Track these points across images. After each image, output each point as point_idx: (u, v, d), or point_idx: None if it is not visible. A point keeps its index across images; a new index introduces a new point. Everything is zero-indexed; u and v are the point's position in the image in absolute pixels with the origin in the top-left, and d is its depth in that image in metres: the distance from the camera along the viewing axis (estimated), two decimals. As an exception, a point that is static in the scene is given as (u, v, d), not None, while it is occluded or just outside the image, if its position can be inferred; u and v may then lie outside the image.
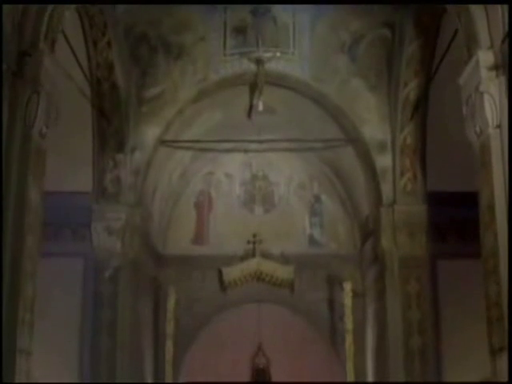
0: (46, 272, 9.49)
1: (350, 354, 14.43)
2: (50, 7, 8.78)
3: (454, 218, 13.16)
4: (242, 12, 13.22)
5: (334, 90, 13.72)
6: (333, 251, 16.33)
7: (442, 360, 13.07)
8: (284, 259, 15.98)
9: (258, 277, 15.85)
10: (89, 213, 13.19)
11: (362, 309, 15.16)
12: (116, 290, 12.98)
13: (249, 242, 15.99)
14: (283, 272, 15.80)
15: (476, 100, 8.57)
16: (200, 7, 13.01)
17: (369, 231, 14.87)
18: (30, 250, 8.39)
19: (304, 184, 16.75)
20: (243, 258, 15.99)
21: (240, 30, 13.32)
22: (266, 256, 15.94)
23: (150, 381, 14.46)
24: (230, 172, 16.75)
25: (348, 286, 14.82)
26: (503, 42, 8.18)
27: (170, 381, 14.41)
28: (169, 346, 14.51)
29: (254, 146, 15.74)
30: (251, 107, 14.47)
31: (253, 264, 15.82)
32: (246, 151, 16.22)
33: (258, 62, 13.37)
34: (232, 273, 15.80)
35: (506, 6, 8.18)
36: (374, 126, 13.68)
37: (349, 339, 14.49)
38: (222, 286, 15.90)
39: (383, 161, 13.65)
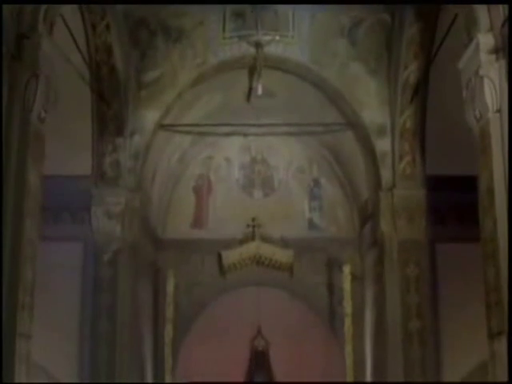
0: (46, 256, 9.51)
1: (348, 336, 14.49)
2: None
3: (453, 202, 13.17)
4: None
5: (333, 74, 13.68)
6: (332, 235, 16.36)
7: (441, 343, 13.12)
8: (283, 243, 16.01)
9: (258, 260, 15.88)
10: (88, 197, 13.19)
11: (361, 292, 15.20)
12: (115, 273, 13.00)
13: (248, 226, 16.00)
14: (282, 256, 15.82)
15: (476, 84, 8.54)
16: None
17: (368, 215, 14.89)
18: (30, 233, 8.39)
19: (303, 168, 16.74)
20: (242, 241, 16.01)
21: (239, 14, 13.27)
22: (266, 240, 15.96)
23: (149, 364, 14.51)
24: (229, 156, 16.74)
25: (347, 270, 14.86)
26: (503, 25, 8.14)
27: (170, 364, 14.47)
28: (168, 329, 14.56)
29: (253, 129, 15.74)
30: (250, 91, 14.45)
31: (252, 248, 15.85)
32: (245, 135, 16.21)
33: (257, 45, 13.33)
34: (231, 256, 15.82)
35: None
36: (373, 110, 13.66)
37: (348, 322, 14.55)
38: (222, 269, 15.93)
39: (382, 145, 13.64)
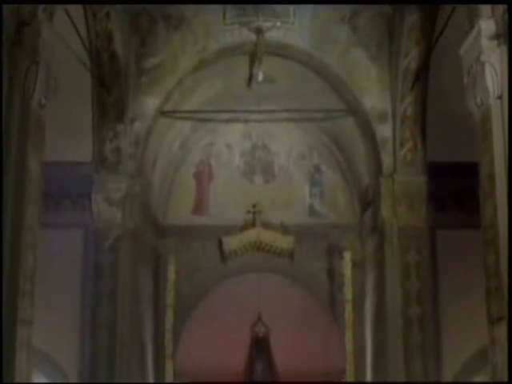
0: (46, 243, 9.54)
1: (349, 322, 14.57)
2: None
3: (454, 189, 13.18)
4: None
5: (334, 60, 13.65)
6: (332, 221, 16.35)
7: (441, 329, 13.16)
8: (284, 229, 16.01)
9: (258, 247, 15.89)
10: (89, 183, 13.19)
11: (362, 278, 15.21)
12: (116, 260, 13.02)
13: (249, 212, 16.00)
14: (283, 242, 15.83)
15: (477, 70, 8.51)
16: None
17: (368, 201, 14.90)
18: (30, 220, 8.40)
19: (304, 154, 16.72)
20: (243, 228, 16.01)
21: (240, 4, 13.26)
22: (266, 226, 15.96)
23: (150, 350, 14.55)
24: (229, 142, 16.72)
25: (347, 256, 14.92)
26: (504, 12, 8.13)
27: (170, 350, 14.54)
28: (169, 315, 14.63)
29: (254, 116, 15.73)
30: (251, 77, 14.42)
31: (253, 234, 15.85)
32: (245, 121, 16.19)
33: (258, 31, 13.30)
34: (232, 243, 15.83)
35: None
36: (374, 96, 13.64)
37: (348, 308, 14.62)
38: (222, 255, 15.95)
39: (383, 131, 13.63)
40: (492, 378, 8.15)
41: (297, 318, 15.66)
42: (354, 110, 14.15)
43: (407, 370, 12.78)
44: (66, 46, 9.78)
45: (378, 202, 13.72)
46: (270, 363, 15.43)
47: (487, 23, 8.39)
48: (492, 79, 8.31)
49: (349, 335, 14.53)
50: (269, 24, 13.26)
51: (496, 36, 8.33)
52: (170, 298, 14.65)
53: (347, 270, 14.86)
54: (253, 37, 13.40)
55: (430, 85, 13.12)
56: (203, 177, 16.61)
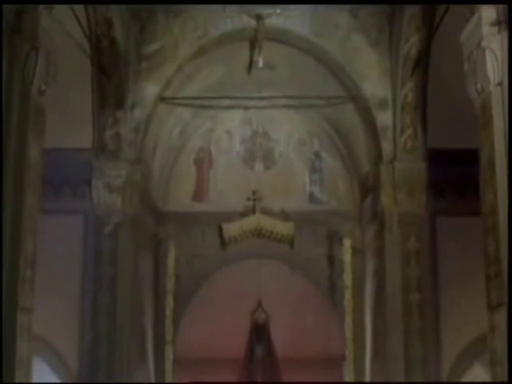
0: (47, 229, 9.53)
1: (348, 309, 14.60)
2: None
3: (454, 176, 13.18)
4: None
5: (334, 47, 13.63)
6: (332, 208, 16.35)
7: (440, 316, 13.20)
8: (284, 216, 16.02)
9: (258, 233, 15.89)
10: (89, 170, 13.19)
11: (362, 265, 15.23)
12: (116, 246, 13.04)
13: (249, 199, 15.98)
14: (283, 228, 15.84)
15: (478, 56, 8.49)
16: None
17: (368, 188, 14.90)
18: (31, 206, 8.40)
19: (304, 141, 16.70)
20: (243, 214, 16.01)
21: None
22: (266, 213, 15.96)
23: (150, 336, 14.59)
24: (230, 129, 16.69)
25: (347, 243, 14.93)
26: (506, -1, 8.12)
27: (170, 336, 14.57)
28: (169, 301, 14.65)
29: (254, 102, 15.69)
30: (251, 63, 14.39)
31: (253, 220, 15.85)
32: (246, 108, 16.16)
33: (258, 17, 13.28)
34: (232, 229, 15.83)
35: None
36: (374, 83, 13.62)
37: (348, 295, 14.64)
38: (222, 242, 15.95)
39: (384, 118, 13.61)
40: (491, 364, 8.18)
41: (297, 304, 15.69)
42: (354, 97, 14.13)
43: (407, 356, 12.82)
44: (65, 33, 9.75)
45: (378, 188, 13.72)
46: (269, 349, 15.46)
47: (488, 9, 8.36)
48: (493, 66, 8.30)
49: (348, 321, 14.56)
50: (269, 10, 13.23)
51: (497, 22, 8.30)
52: (170, 284, 14.68)
53: (347, 257, 14.87)
54: (253, 23, 13.37)
55: (431, 71, 13.10)
56: (203, 163, 16.60)
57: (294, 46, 13.97)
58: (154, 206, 15.33)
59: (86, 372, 12.73)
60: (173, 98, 14.39)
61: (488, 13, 8.34)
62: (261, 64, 13.86)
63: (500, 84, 8.26)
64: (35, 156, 8.53)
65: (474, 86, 8.64)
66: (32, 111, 8.48)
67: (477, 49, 8.49)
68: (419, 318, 12.94)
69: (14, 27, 8.26)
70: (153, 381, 14.63)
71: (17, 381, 7.89)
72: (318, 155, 16.63)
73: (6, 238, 7.94)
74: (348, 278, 14.77)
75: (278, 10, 13.27)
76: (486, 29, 8.34)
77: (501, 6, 8.21)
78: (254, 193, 15.95)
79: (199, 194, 16.50)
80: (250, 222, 15.84)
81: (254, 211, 15.90)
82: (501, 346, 7.87)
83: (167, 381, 14.50)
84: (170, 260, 14.79)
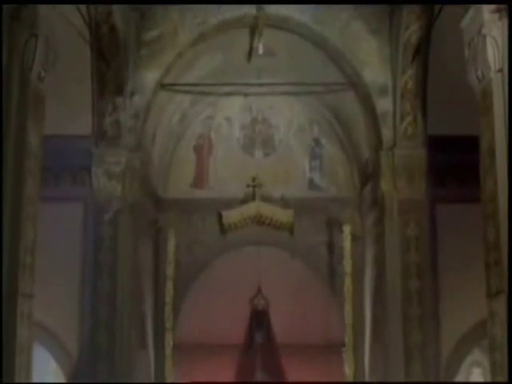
0: (47, 216, 9.53)
1: (348, 295, 14.62)
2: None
3: (454, 162, 13.17)
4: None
5: (335, 33, 13.60)
6: (332, 195, 16.36)
7: (440, 302, 13.23)
8: (284, 203, 16.02)
9: (258, 220, 15.89)
10: (88, 157, 13.19)
11: (361, 252, 15.25)
12: (116, 233, 13.04)
13: (248, 186, 15.98)
14: (283, 215, 15.84)
15: (478, 43, 8.48)
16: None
17: (368, 175, 14.89)
18: (30, 193, 8.40)
19: (304, 127, 16.69)
20: (243, 201, 16.01)
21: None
22: (266, 199, 15.96)
23: (149, 323, 14.62)
24: (229, 115, 16.67)
25: (347, 229, 14.93)
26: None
27: (170, 322, 14.59)
28: (169, 288, 14.67)
29: (253, 89, 15.66)
30: (251, 50, 14.36)
31: (252, 207, 15.85)
32: (245, 95, 16.13)
33: (258, 6, 13.22)
34: (232, 216, 15.84)
35: None
36: (374, 70, 13.60)
37: (347, 281, 14.66)
38: (222, 229, 15.96)
39: (384, 104, 13.59)
40: (490, 350, 8.21)
41: (296, 290, 15.70)
42: (355, 84, 14.11)
43: (406, 342, 12.86)
44: (65, 20, 9.71)
45: (378, 175, 13.72)
46: (269, 336, 15.48)
47: (489, -4, 8.35)
48: (493, 52, 8.29)
49: (348, 308, 14.59)
50: (269, -3, 13.20)
51: (497, 9, 8.28)
52: (169, 270, 14.70)
53: (347, 244, 14.88)
54: (253, 10, 13.32)
55: (431, 58, 13.07)
56: (203, 150, 16.59)
57: (294, 32, 13.94)
58: (154, 193, 15.34)
59: (85, 358, 12.76)
60: (172, 85, 14.35)
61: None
62: (261, 51, 13.82)
63: (500, 71, 8.25)
64: (35, 143, 8.53)
65: (474, 73, 8.63)
66: (31, 98, 8.47)
67: (477, 35, 8.48)
68: (419, 305, 12.97)
69: (13, 14, 8.24)
70: (153, 367, 14.67)
71: (17, 367, 7.91)
72: (317, 142, 16.62)
73: (6, 225, 7.95)
74: (348, 265, 14.78)
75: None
76: (486, 15, 8.33)
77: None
78: (253, 179, 15.95)
79: (199, 181, 16.50)
80: (250, 208, 15.84)
81: (253, 198, 15.90)
82: (500, 332, 7.90)
83: (167, 367, 14.53)
84: (170, 247, 14.80)
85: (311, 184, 16.50)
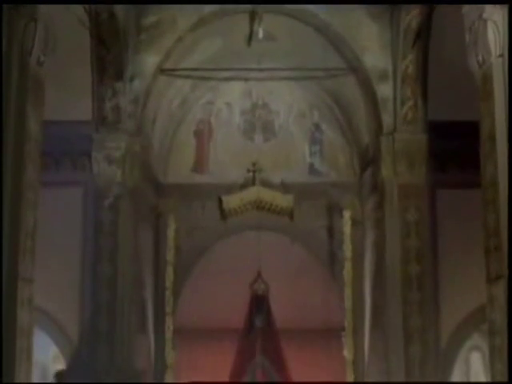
0: (47, 201, 9.53)
1: (348, 280, 14.64)
2: None
3: (455, 148, 13.16)
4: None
5: (335, 18, 13.55)
6: (332, 180, 16.35)
7: (439, 287, 13.25)
8: (284, 188, 16.01)
9: (258, 205, 15.88)
10: (89, 142, 13.18)
11: (361, 236, 15.26)
12: (116, 218, 13.06)
13: (249, 171, 15.97)
14: (283, 200, 15.83)
15: (479, 28, 8.44)
16: None
17: (369, 160, 14.89)
18: (31, 178, 8.40)
19: (304, 113, 16.66)
20: (243, 186, 16.00)
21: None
22: (266, 184, 15.95)
23: (150, 308, 14.65)
24: (229, 101, 16.64)
25: (347, 214, 14.94)
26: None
27: (170, 307, 14.62)
28: (169, 273, 14.70)
29: (254, 74, 15.59)
30: (251, 35, 14.30)
31: (253, 192, 15.84)
32: (246, 80, 16.08)
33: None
34: (232, 201, 15.84)
35: None
36: (375, 55, 13.57)
37: (347, 266, 14.68)
38: (222, 214, 15.95)
39: (384, 89, 13.57)
40: (489, 335, 8.24)
41: (296, 275, 15.73)
42: (355, 69, 14.08)
43: (406, 327, 12.89)
44: (64, 5, 9.67)
45: (378, 160, 13.71)
46: (269, 320, 15.51)
47: (489, -19, 8.31)
48: (494, 37, 8.26)
49: (348, 293, 14.61)
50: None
51: (499, -6, 8.26)
52: (170, 255, 14.72)
53: (347, 228, 14.89)
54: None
55: (432, 43, 13.04)
56: (203, 135, 16.58)
57: (295, 17, 13.89)
58: (154, 178, 15.33)
59: (86, 343, 12.80)
60: (172, 70, 14.32)
61: (490, -16, 8.30)
62: (261, 35, 13.79)
63: (501, 56, 8.22)
64: (35, 128, 8.52)
65: (475, 58, 8.60)
66: (31, 82, 8.44)
67: (478, 20, 8.44)
68: (418, 290, 12.99)
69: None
70: (153, 351, 14.72)
71: (18, 352, 7.93)
72: (318, 127, 16.60)
73: (6, 210, 7.95)
74: (348, 250, 14.79)
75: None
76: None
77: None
78: (253, 164, 15.93)
79: (199, 166, 16.50)
80: (250, 194, 15.83)
81: (253, 183, 15.88)
82: (500, 317, 7.92)
83: (167, 351, 14.57)
84: (170, 232, 14.81)
85: (311, 169, 16.50)
